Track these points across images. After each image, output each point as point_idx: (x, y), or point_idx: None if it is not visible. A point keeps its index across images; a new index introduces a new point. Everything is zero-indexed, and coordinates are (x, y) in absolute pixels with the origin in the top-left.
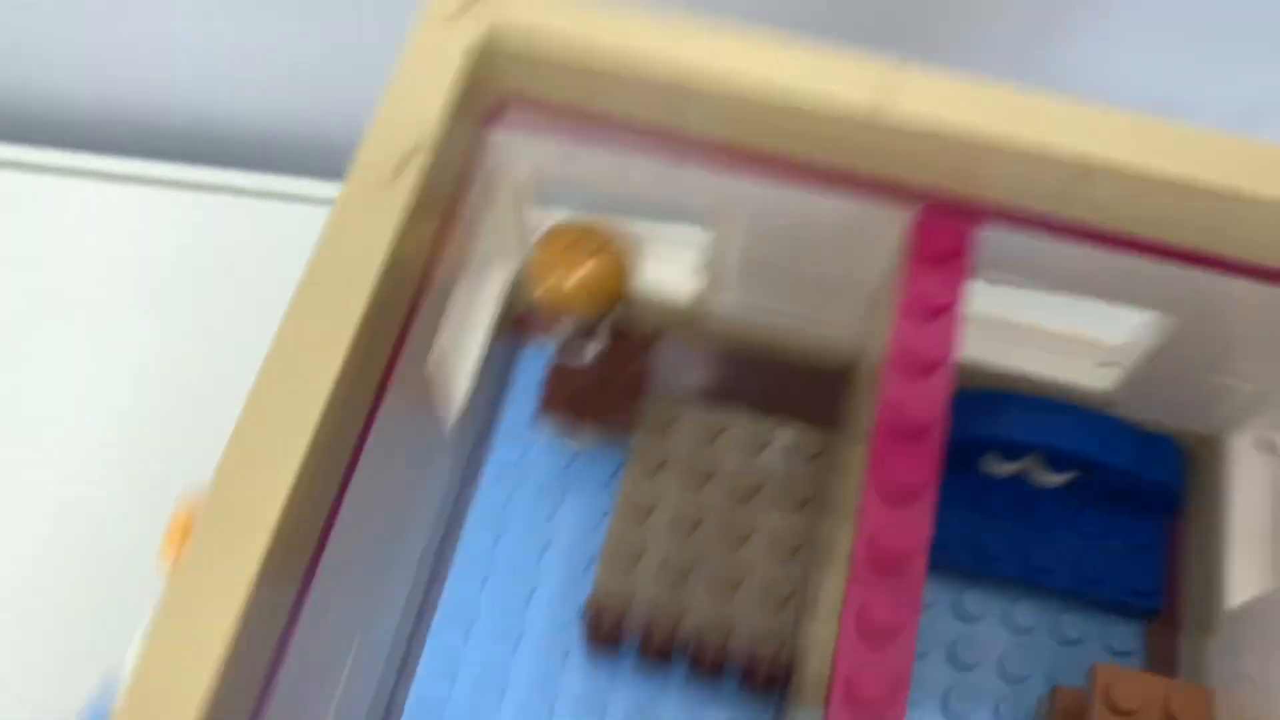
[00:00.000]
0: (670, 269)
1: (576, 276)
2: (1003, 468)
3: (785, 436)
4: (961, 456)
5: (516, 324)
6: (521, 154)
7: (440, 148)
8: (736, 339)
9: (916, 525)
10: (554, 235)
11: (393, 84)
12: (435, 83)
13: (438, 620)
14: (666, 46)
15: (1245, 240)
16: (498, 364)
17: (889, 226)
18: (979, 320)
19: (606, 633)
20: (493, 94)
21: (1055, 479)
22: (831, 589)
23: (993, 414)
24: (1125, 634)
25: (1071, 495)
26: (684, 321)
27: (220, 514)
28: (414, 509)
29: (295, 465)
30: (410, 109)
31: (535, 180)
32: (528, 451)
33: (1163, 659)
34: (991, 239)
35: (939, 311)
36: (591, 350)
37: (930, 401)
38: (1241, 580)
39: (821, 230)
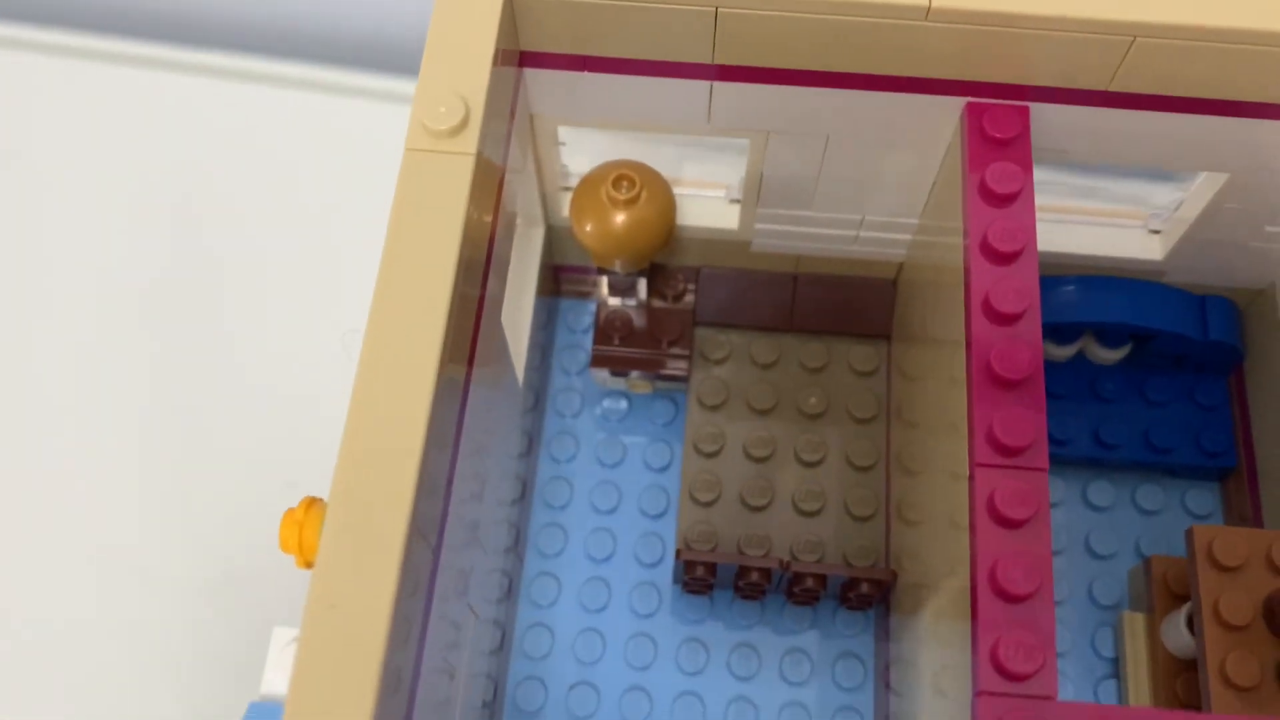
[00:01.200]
0: (708, 198)
1: (624, 218)
2: (1060, 351)
3: (842, 354)
4: None
5: (554, 276)
6: (549, 97)
7: (491, 98)
8: (776, 263)
9: (1031, 410)
10: (596, 178)
11: (435, 32)
12: (479, 28)
13: (523, 594)
14: None
15: None
16: (541, 320)
17: (940, 123)
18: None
19: (699, 575)
20: (523, 35)
21: (1113, 355)
22: (927, 495)
23: (1044, 299)
24: (1202, 497)
25: (1131, 368)
26: (726, 251)
27: (354, 504)
28: (507, 475)
29: (417, 451)
30: (458, 57)
31: (565, 122)
32: (584, 407)
33: (1242, 516)
34: (1040, 120)
35: (1012, 196)
36: (642, 289)
37: (1021, 286)
38: None
39: (869, 134)
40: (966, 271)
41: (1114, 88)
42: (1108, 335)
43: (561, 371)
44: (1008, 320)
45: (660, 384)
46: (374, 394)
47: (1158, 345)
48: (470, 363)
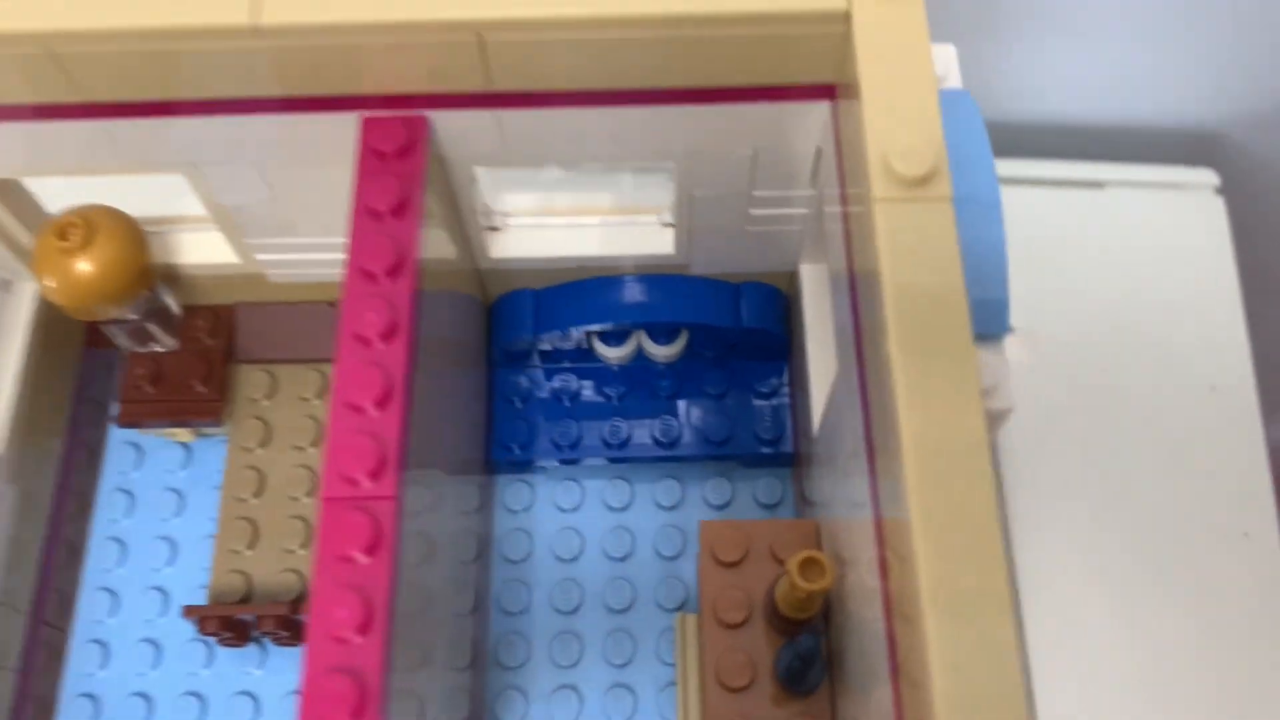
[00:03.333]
0: (202, 233)
1: (76, 268)
2: (614, 353)
3: None
4: (576, 353)
5: (89, 337)
6: None
7: None
8: (311, 293)
9: (387, 429)
10: (43, 232)
11: None
12: None
13: (73, 653)
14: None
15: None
16: (91, 376)
17: (349, 139)
18: (542, 216)
19: (214, 630)
20: None
21: (668, 351)
22: None
23: (579, 303)
24: (772, 487)
25: (691, 364)
26: (251, 287)
27: None
28: None
29: None
30: None
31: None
32: (141, 461)
33: (810, 503)
34: (447, 128)
35: (394, 211)
36: (162, 335)
37: (383, 307)
38: (818, 403)
39: (295, 156)
40: (343, 295)
41: (496, 88)
42: (656, 332)
43: (117, 426)
44: (369, 342)
45: (204, 430)
46: None
47: (703, 337)
48: None
